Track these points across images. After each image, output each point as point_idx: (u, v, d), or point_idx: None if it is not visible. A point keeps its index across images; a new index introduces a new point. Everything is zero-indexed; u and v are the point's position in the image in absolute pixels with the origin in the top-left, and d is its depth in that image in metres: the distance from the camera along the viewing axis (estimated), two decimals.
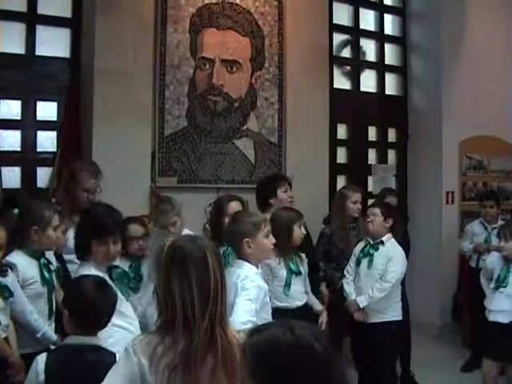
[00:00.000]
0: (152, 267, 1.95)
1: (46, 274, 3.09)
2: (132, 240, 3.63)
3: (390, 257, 4.08)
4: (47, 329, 2.99)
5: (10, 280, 2.87)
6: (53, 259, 3.26)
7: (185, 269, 1.82)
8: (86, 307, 2.30)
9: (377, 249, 4.15)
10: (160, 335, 1.81)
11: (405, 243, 4.50)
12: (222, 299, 1.85)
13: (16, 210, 3.13)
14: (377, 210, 4.19)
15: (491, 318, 4.15)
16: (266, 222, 3.01)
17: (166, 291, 1.82)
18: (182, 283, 1.81)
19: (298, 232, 3.78)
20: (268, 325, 1.44)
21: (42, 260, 3.11)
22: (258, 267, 2.93)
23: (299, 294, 3.81)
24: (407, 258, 4.32)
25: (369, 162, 6.61)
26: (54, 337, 2.97)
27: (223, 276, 1.89)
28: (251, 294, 2.65)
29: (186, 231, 4.04)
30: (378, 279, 4.08)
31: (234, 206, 3.91)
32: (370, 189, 6.38)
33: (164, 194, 4.65)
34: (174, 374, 1.74)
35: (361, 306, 4.11)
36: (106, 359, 2.22)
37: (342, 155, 6.48)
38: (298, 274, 3.79)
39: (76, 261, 3.01)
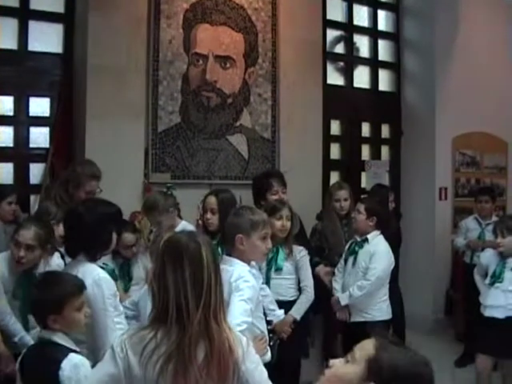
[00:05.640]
0: (151, 260, 1.97)
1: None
2: (126, 248, 3.79)
3: (372, 254, 4.05)
4: (24, 334, 3.00)
5: None
6: None
7: (180, 262, 1.85)
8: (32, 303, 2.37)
9: (361, 246, 4.13)
10: (153, 329, 1.83)
11: (396, 239, 4.49)
12: (216, 293, 1.87)
13: None
14: (361, 207, 4.16)
15: (487, 313, 4.13)
16: (265, 225, 2.90)
17: (161, 283, 1.85)
18: (177, 276, 1.83)
19: (277, 224, 3.76)
20: None
21: None
22: (249, 264, 2.86)
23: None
24: (398, 254, 4.30)
25: (362, 158, 6.60)
26: (31, 342, 2.87)
27: (218, 271, 1.91)
28: (245, 295, 2.61)
29: (183, 223, 4.06)
30: (361, 277, 4.06)
31: (210, 201, 3.79)
32: (363, 185, 6.39)
33: (158, 190, 4.63)
34: (166, 364, 1.76)
35: (342, 304, 4.08)
36: (50, 355, 2.20)
37: (335, 151, 6.48)
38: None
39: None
